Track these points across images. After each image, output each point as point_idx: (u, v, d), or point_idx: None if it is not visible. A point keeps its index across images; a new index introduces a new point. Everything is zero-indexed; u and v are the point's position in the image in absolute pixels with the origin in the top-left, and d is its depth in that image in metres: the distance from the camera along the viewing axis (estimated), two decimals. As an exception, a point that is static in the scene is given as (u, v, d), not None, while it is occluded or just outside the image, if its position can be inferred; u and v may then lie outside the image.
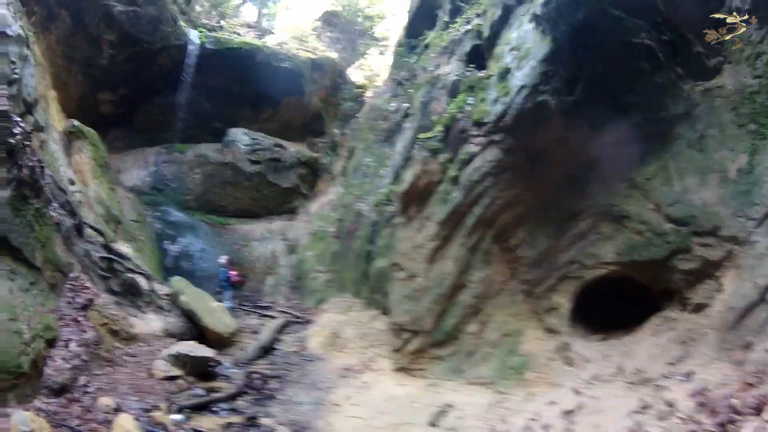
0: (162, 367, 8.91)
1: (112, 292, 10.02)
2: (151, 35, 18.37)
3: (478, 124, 9.48)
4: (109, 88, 18.53)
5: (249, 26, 27.73)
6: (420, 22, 15.72)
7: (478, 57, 10.99)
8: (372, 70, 23.05)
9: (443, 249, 9.81)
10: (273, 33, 25.14)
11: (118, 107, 19.19)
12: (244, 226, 20.25)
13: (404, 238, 10.48)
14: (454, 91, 10.77)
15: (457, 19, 12.63)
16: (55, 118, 14.20)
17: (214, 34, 21.78)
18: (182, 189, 20.16)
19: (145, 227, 17.83)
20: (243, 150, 20.79)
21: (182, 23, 19.94)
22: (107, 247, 11.51)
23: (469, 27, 11.87)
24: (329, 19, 26.27)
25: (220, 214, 20.46)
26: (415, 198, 10.44)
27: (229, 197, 20.82)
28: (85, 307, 8.82)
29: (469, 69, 10.65)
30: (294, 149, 21.42)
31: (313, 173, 21.46)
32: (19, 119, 8.81)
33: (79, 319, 8.59)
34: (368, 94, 21.25)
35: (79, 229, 10.39)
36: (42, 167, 9.16)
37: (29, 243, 8.28)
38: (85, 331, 8.53)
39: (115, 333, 9.30)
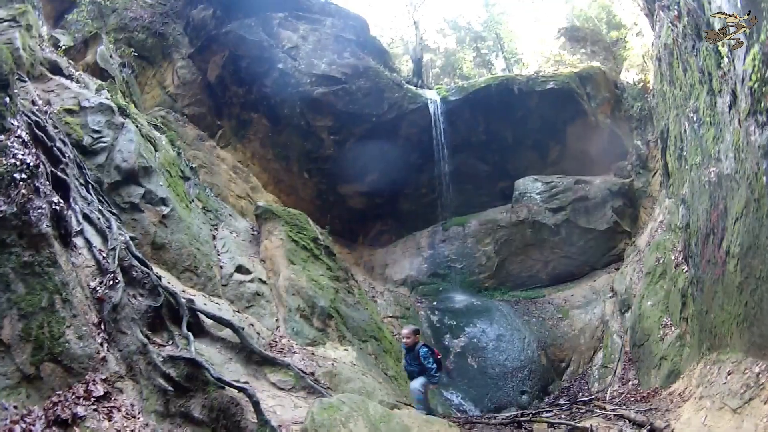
0: None
1: (183, 417, 5.46)
2: (377, 107, 15.89)
3: None
4: (352, 178, 16.29)
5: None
6: None
7: None
8: (640, 57, 17.36)
9: None
10: (526, 67, 20.86)
11: (374, 197, 16.64)
12: (560, 293, 14.43)
13: None
14: None
15: None
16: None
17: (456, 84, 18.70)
18: (471, 268, 15.60)
19: (416, 322, 13.41)
20: (538, 200, 15.73)
21: (412, 88, 17.25)
22: (247, 351, 7.30)
23: None
24: (573, 36, 20.95)
25: (528, 287, 15.03)
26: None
27: (536, 262, 15.36)
28: (60, 423, 4.59)
29: None
30: (599, 180, 15.71)
31: (630, 203, 15.32)
32: (21, 152, 6.21)
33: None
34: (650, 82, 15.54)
35: (169, 316, 6.63)
36: (59, 212, 6.09)
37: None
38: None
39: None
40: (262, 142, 15.30)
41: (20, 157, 6.26)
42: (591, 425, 7.50)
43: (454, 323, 13.44)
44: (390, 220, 16.90)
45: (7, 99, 7.06)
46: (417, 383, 7.32)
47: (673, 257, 9.82)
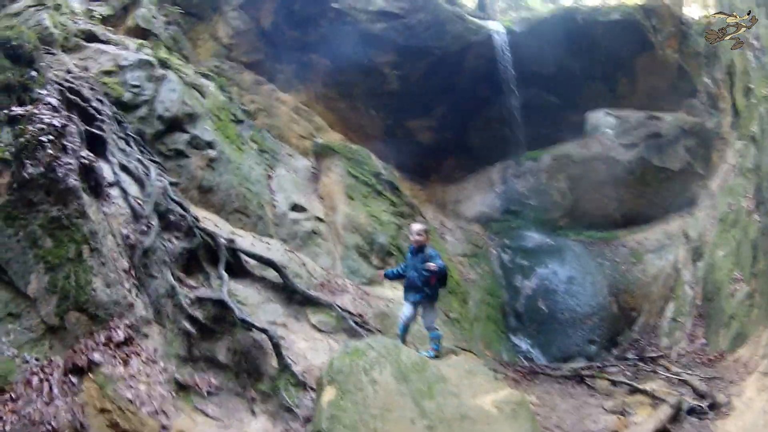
0: None
1: (206, 361, 5.46)
2: (439, 40, 14.92)
3: None
4: (419, 113, 15.55)
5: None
6: None
7: None
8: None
9: None
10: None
11: (443, 131, 15.88)
12: (634, 236, 13.28)
13: None
14: None
15: None
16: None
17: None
18: (545, 205, 14.66)
19: (487, 261, 12.87)
20: (610, 134, 14.58)
21: (475, 20, 15.96)
22: (289, 291, 7.20)
23: None
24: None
25: (601, 228, 14.01)
26: None
27: (610, 201, 14.26)
28: (76, 371, 4.75)
29: None
30: (671, 117, 14.38)
31: (703, 143, 13.92)
32: (49, 117, 6.36)
33: (53, 385, 4.59)
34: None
35: (206, 258, 6.68)
36: (89, 165, 6.22)
37: (21, 260, 5.26)
38: (48, 403, 4.45)
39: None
40: (324, 82, 14.87)
41: (47, 121, 6.33)
42: (652, 389, 6.92)
43: (526, 263, 12.72)
44: (461, 155, 16.12)
45: (34, 73, 7.29)
46: (430, 317, 6.21)
47: (744, 204, 8.78)
